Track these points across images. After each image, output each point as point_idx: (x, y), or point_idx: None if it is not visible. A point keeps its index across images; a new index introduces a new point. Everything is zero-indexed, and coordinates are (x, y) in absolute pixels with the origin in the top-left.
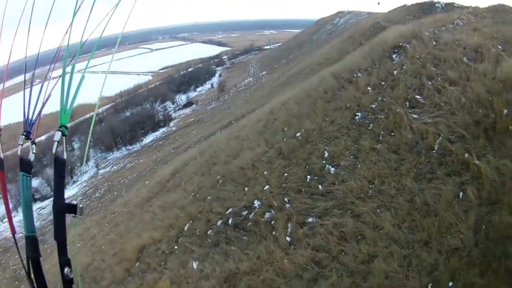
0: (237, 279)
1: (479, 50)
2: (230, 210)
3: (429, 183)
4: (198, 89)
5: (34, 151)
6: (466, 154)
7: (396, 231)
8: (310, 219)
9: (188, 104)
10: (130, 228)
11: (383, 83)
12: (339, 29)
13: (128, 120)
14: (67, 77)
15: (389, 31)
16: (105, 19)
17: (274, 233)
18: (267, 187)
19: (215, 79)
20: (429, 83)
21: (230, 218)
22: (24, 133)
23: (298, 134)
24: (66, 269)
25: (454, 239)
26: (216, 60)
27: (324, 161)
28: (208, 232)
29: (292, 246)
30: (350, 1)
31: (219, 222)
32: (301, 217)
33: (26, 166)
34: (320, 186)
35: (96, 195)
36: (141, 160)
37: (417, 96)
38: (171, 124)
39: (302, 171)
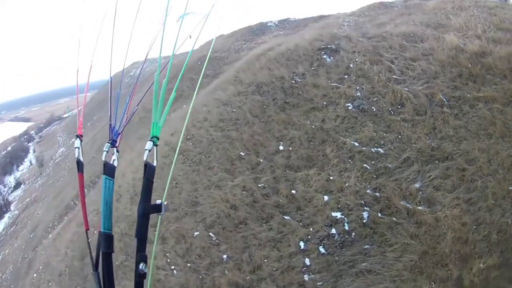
0: None
1: (411, 35)
2: None
3: None
4: (21, 168)
5: (117, 158)
6: None
7: None
8: None
9: (18, 185)
10: None
11: (347, 76)
12: (139, 81)
13: None
14: (157, 91)
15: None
16: (196, 29)
17: None
18: None
19: (31, 155)
20: (394, 64)
21: None
22: (110, 141)
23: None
24: (141, 264)
25: None
26: (26, 136)
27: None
28: None
29: None
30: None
31: None
32: None
33: (109, 171)
34: None
35: None
36: (6, 251)
37: (395, 76)
38: (12, 207)
39: None
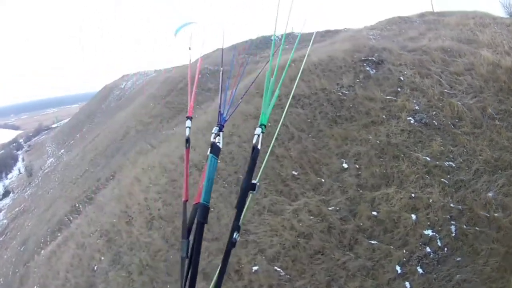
0: None
1: (449, 50)
2: None
3: None
4: (9, 176)
5: (221, 141)
6: None
7: None
8: None
9: (6, 193)
10: None
11: (400, 89)
12: (128, 92)
13: None
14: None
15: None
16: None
17: None
18: None
19: (20, 164)
20: (442, 78)
21: None
22: (218, 126)
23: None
24: (235, 234)
25: None
26: (15, 144)
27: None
28: None
29: None
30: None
31: None
32: None
33: (215, 151)
34: None
35: None
36: None
37: (447, 90)
38: (0, 216)
39: None
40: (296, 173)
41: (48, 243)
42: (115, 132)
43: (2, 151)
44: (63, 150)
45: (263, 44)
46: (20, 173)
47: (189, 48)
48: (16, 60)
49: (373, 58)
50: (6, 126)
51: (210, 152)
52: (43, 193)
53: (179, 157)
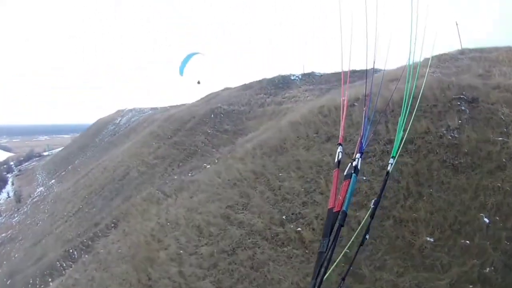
0: None
1: None
2: None
3: None
4: None
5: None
6: None
7: None
8: None
9: None
10: None
11: (505, 129)
12: (123, 128)
13: None
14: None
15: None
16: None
17: None
18: None
19: (9, 187)
20: None
21: None
22: (360, 153)
23: None
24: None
25: None
26: (5, 166)
27: None
28: None
29: None
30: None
31: None
32: None
33: (357, 171)
34: None
35: None
36: None
37: None
38: None
39: None
40: (432, 239)
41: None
42: (112, 170)
43: None
44: (53, 180)
45: (282, 83)
46: (9, 197)
47: (198, 82)
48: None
49: (465, 97)
50: None
51: (353, 172)
52: (32, 224)
53: (219, 215)
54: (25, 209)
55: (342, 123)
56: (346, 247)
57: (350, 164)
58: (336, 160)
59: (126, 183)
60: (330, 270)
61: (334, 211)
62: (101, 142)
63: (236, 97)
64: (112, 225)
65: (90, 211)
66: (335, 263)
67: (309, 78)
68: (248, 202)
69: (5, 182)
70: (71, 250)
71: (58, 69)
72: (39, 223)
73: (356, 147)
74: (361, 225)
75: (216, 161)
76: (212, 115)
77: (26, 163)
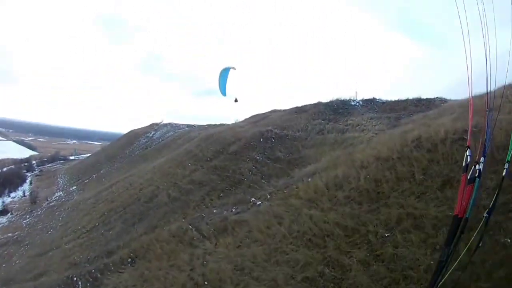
0: None
1: None
2: None
3: None
4: (12, 195)
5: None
6: None
7: None
8: None
9: (4, 211)
10: None
11: None
12: (156, 142)
13: None
14: None
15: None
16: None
17: None
18: None
19: (26, 186)
20: None
21: None
22: (483, 156)
23: None
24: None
25: None
26: (26, 164)
27: None
28: None
29: None
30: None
31: None
32: None
33: (479, 176)
34: None
35: None
36: None
37: None
38: None
39: None
40: None
41: None
42: (138, 188)
43: (12, 167)
44: (75, 186)
45: (342, 109)
46: (24, 196)
47: (236, 100)
48: (47, 86)
49: None
50: (22, 143)
51: (477, 176)
52: (42, 230)
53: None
54: (39, 212)
55: (469, 123)
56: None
57: (473, 167)
58: (463, 164)
59: (153, 207)
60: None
61: (459, 217)
62: (131, 155)
63: (289, 121)
64: (129, 259)
65: (106, 233)
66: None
67: (370, 104)
68: (341, 277)
69: (23, 180)
70: (75, 278)
71: (58, 69)
72: (50, 230)
73: (479, 150)
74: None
75: (269, 196)
76: (262, 139)
77: (49, 164)
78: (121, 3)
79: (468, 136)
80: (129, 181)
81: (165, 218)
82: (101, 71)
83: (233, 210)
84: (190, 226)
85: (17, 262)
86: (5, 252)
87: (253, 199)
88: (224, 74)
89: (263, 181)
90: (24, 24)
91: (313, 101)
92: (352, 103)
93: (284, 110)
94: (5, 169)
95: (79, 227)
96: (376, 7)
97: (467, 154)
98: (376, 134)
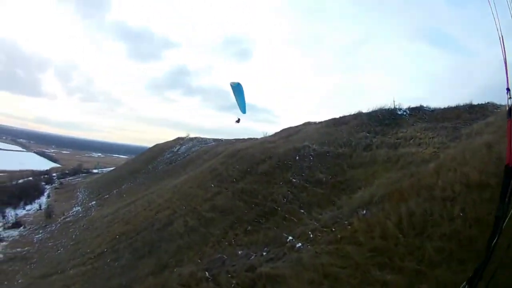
0: None
1: None
2: None
3: None
4: (28, 207)
5: None
6: None
7: None
8: None
9: (17, 224)
10: None
11: None
12: (181, 158)
13: None
14: None
15: None
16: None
17: None
18: None
19: (43, 199)
20: None
21: None
22: None
23: None
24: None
25: None
26: (46, 176)
27: None
28: None
29: None
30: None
31: None
32: None
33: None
34: None
35: None
36: None
37: None
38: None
39: None
40: None
41: None
42: (154, 209)
43: (29, 179)
44: (94, 202)
45: (388, 119)
46: (40, 209)
47: (237, 121)
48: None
49: None
50: (43, 155)
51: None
52: (53, 248)
53: None
54: (53, 227)
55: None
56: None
57: None
58: (507, 108)
59: (166, 238)
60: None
61: (510, 166)
62: (154, 170)
63: (328, 135)
64: None
65: (112, 263)
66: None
67: (419, 113)
68: None
69: (40, 192)
70: None
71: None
72: (60, 249)
73: None
74: None
75: (311, 235)
76: (297, 157)
77: (70, 177)
78: (148, 18)
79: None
80: (147, 200)
81: (178, 256)
82: (126, 84)
83: (264, 253)
84: (206, 274)
85: (19, 281)
86: (10, 269)
87: (291, 238)
88: (238, 89)
89: (302, 211)
90: (54, 37)
91: (352, 111)
92: (399, 113)
93: (320, 123)
94: (21, 181)
95: (88, 251)
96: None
97: (509, 96)
98: (438, 148)
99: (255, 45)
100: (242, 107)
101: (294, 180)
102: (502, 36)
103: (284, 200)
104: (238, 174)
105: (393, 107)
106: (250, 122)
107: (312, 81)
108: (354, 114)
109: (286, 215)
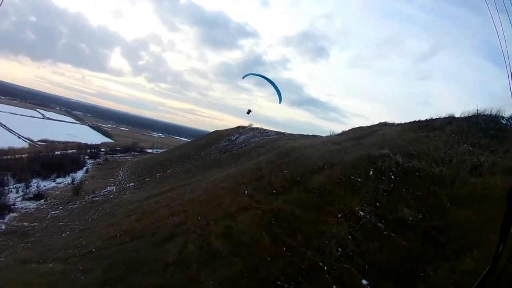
0: None
1: None
2: None
3: None
4: (59, 180)
5: None
6: None
7: None
8: None
9: (38, 196)
10: None
11: None
12: (237, 147)
13: None
14: None
15: None
16: None
17: None
18: None
19: (80, 173)
20: None
21: None
22: None
23: None
24: None
25: None
26: (93, 150)
27: None
28: None
29: None
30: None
31: None
32: None
33: None
34: None
35: None
36: None
37: None
38: (6, 218)
39: None
40: None
41: None
42: (174, 208)
43: (74, 151)
44: (132, 183)
45: (492, 129)
46: (72, 183)
47: (248, 112)
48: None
49: None
50: (98, 129)
51: None
52: (60, 228)
53: None
54: (75, 206)
55: None
56: None
57: None
58: None
59: (151, 262)
60: None
61: None
62: (205, 157)
63: (416, 143)
64: None
65: (80, 274)
66: None
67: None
68: None
69: (80, 166)
70: None
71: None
72: (65, 233)
73: None
74: None
75: None
76: (372, 171)
77: (119, 154)
78: (225, 4)
79: None
80: (178, 193)
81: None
82: (197, 69)
83: None
84: None
85: (1, 259)
86: (10, 243)
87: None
88: (269, 81)
89: (365, 282)
90: (123, 14)
91: (442, 114)
92: (503, 122)
93: (401, 125)
94: (58, 152)
95: (84, 243)
96: None
97: None
98: None
99: (332, 45)
100: (279, 96)
101: (362, 214)
102: None
103: (338, 252)
104: (281, 183)
105: (494, 114)
106: (318, 119)
107: (382, 85)
108: (446, 118)
109: (335, 285)
